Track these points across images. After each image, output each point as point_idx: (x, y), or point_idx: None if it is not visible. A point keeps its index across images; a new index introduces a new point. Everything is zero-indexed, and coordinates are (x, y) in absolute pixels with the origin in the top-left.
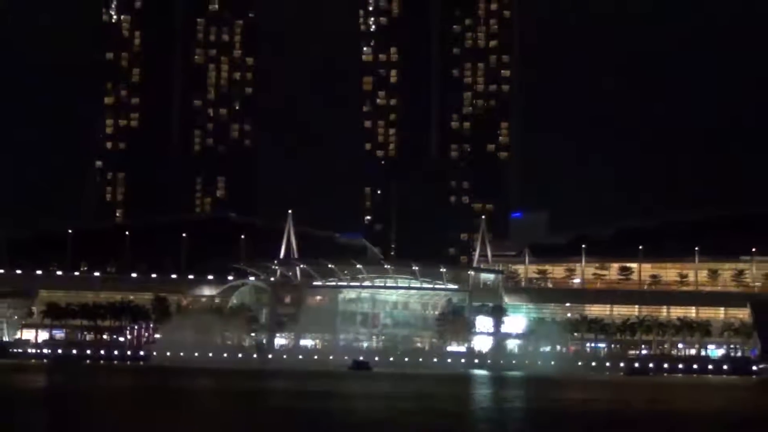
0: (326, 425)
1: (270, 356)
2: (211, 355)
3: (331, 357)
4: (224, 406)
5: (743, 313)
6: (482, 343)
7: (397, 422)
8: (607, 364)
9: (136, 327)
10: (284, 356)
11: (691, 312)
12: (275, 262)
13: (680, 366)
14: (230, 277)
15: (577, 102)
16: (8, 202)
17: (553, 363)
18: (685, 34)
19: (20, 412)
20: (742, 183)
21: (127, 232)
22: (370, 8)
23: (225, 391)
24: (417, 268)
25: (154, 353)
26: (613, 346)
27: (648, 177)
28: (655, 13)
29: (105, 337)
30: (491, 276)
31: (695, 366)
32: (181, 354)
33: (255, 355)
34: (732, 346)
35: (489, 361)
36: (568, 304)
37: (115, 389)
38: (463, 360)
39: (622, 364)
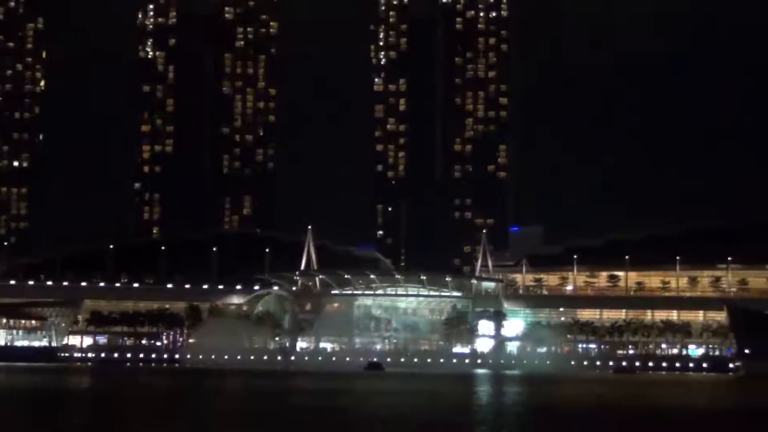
0: (343, 420)
1: (292, 358)
2: (239, 357)
3: (347, 359)
4: (252, 404)
5: (720, 316)
6: (484, 345)
7: (408, 417)
8: (597, 363)
9: (171, 333)
10: (305, 358)
11: (673, 315)
12: (297, 273)
13: (663, 364)
14: (256, 287)
15: (569, 126)
16: (58, 220)
17: (548, 362)
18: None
19: (68, 410)
20: (719, 198)
21: (162, 247)
22: (381, 43)
23: (252, 390)
24: (424, 277)
25: (188, 356)
26: (602, 346)
27: (634, 193)
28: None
29: (143, 342)
30: (492, 284)
31: (677, 364)
32: (212, 357)
33: (279, 357)
34: (710, 346)
35: (490, 361)
36: (561, 309)
37: (153, 389)
38: (466, 360)
39: (610, 363)
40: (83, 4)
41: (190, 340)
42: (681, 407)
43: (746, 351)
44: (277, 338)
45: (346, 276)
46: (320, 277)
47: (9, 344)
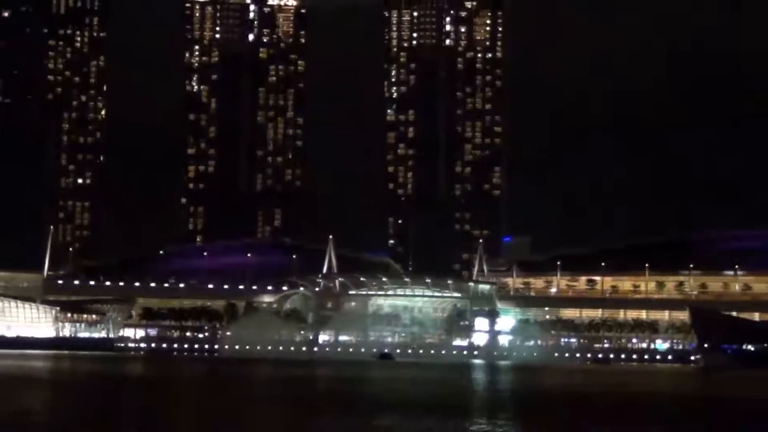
0: (360, 401)
1: (315, 349)
2: (269, 348)
3: (362, 350)
4: (280, 389)
5: (683, 316)
6: (480, 339)
7: (416, 398)
8: (577, 355)
9: (211, 326)
10: (326, 349)
11: (643, 314)
12: (319, 276)
13: (634, 356)
14: (285, 288)
15: (553, 151)
16: (116, 229)
17: (535, 354)
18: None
19: (124, 393)
20: (683, 210)
21: (205, 253)
22: (393, 80)
23: (280, 377)
24: (429, 280)
25: (225, 347)
26: (581, 341)
27: (610, 209)
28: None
29: (187, 334)
30: (487, 286)
31: (646, 357)
32: (247, 347)
33: (303, 348)
34: (674, 341)
35: (485, 353)
36: (546, 309)
37: (195, 375)
38: (464, 352)
39: (588, 355)
40: (140, 44)
41: (228, 333)
42: (648, 392)
43: (705, 345)
44: (302, 332)
45: (361, 279)
46: (339, 279)
47: (73, 336)
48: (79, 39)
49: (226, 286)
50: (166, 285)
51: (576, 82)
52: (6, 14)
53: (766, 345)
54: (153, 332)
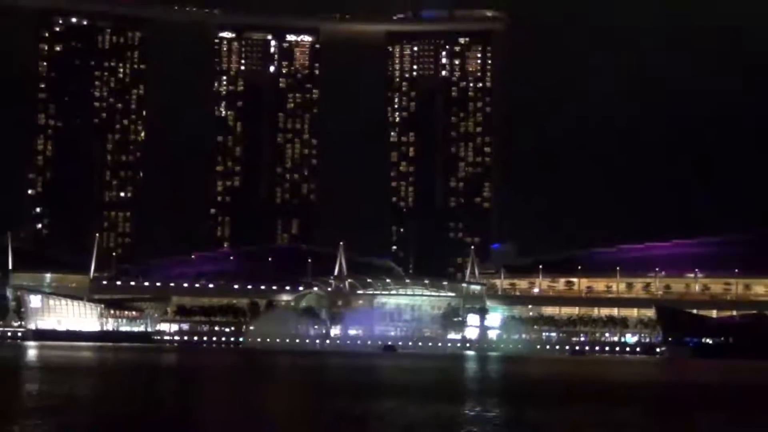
0: (367, 387)
1: (327, 342)
2: (287, 340)
3: (369, 342)
4: (297, 375)
5: (650, 313)
6: (471, 333)
7: (416, 385)
8: (557, 347)
9: (236, 321)
10: (337, 341)
11: (614, 312)
12: (331, 277)
13: (606, 348)
14: (301, 288)
15: (536, 167)
16: (153, 236)
17: (520, 346)
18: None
19: (160, 378)
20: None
21: (231, 257)
22: (395, 106)
23: (297, 365)
24: (427, 281)
25: (249, 339)
26: (560, 334)
27: (584, 219)
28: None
29: (216, 328)
30: (478, 287)
31: (617, 348)
32: (267, 340)
33: (317, 341)
34: (642, 335)
35: (476, 345)
36: (530, 306)
37: (223, 364)
38: (458, 344)
39: (567, 347)
40: (174, 75)
41: (251, 327)
42: (619, 379)
43: (669, 339)
44: (316, 326)
45: (368, 280)
46: (349, 280)
47: (115, 329)
48: (121, 70)
49: (249, 286)
50: (197, 285)
51: (556, 108)
52: (58, 48)
53: (722, 339)
54: (185, 326)
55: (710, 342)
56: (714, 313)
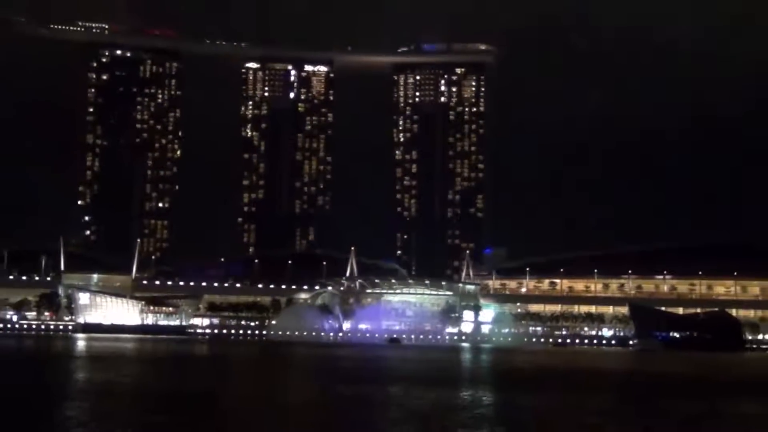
0: (375, 374)
1: (340, 334)
2: (305, 334)
3: (376, 335)
4: (313, 364)
5: (624, 310)
6: (467, 327)
7: (418, 372)
8: (542, 339)
9: (260, 317)
10: (348, 335)
11: (592, 309)
12: (343, 278)
13: (585, 341)
14: (317, 287)
15: (523, 182)
16: (187, 242)
17: (509, 339)
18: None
19: (194, 365)
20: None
21: (255, 260)
22: (400, 128)
23: (313, 355)
24: (427, 282)
25: (271, 333)
26: (545, 329)
27: (567, 227)
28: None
29: (242, 323)
30: (472, 287)
31: (594, 341)
32: (287, 333)
33: (331, 334)
34: (617, 329)
35: (470, 338)
36: (518, 304)
37: (249, 354)
38: (455, 337)
39: (550, 340)
40: (207, 100)
41: (273, 322)
42: (596, 368)
43: (641, 333)
44: (330, 321)
45: (376, 280)
46: (359, 281)
47: (154, 323)
48: (160, 96)
49: (271, 286)
50: (225, 285)
51: (539, 130)
52: (105, 77)
53: (688, 333)
54: (215, 321)
55: (677, 336)
56: (680, 310)
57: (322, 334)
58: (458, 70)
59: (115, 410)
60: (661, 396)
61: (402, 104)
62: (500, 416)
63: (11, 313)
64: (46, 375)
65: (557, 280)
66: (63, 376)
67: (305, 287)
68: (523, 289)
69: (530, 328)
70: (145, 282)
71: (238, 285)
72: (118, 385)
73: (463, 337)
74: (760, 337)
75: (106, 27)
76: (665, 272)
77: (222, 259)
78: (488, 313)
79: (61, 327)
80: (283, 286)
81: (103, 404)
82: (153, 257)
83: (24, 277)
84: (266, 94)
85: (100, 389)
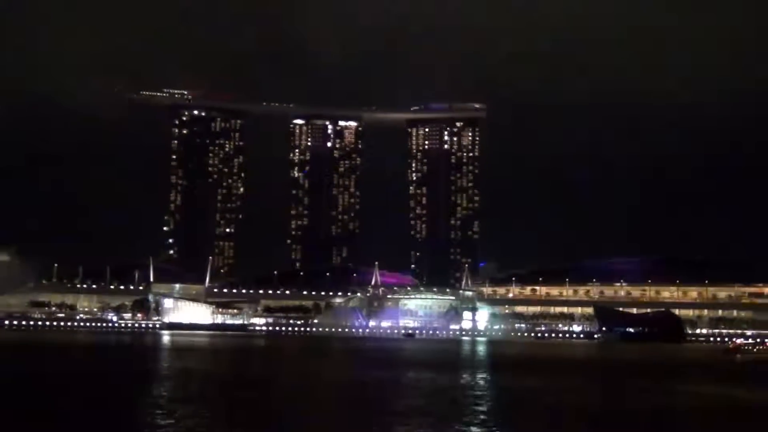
0: (395, 361)
1: (367, 331)
2: (340, 330)
3: (395, 331)
4: (347, 353)
5: (590, 310)
6: (466, 324)
7: (429, 359)
8: (526, 334)
9: (305, 317)
10: (373, 330)
11: (565, 310)
12: (369, 286)
13: (560, 335)
14: (349, 293)
15: (513, 210)
16: (249, 258)
17: (500, 333)
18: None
19: (254, 355)
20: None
21: (301, 273)
22: (413, 168)
23: (347, 347)
24: (435, 289)
25: (314, 330)
26: (528, 325)
27: (547, 245)
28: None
29: (291, 321)
30: (470, 293)
31: (567, 335)
32: (326, 330)
33: (360, 330)
34: (585, 326)
35: (469, 333)
36: (506, 306)
37: (301, 345)
38: (457, 332)
39: (533, 334)
40: (263, 148)
41: (315, 321)
42: (568, 356)
43: (603, 329)
44: (359, 320)
45: (395, 288)
46: (381, 288)
47: (222, 322)
48: (227, 146)
49: (313, 292)
50: (278, 291)
51: (525, 169)
52: (185, 131)
53: (640, 328)
54: (270, 320)
55: (632, 330)
56: (634, 311)
57: (353, 330)
58: (458, 124)
59: (197, 390)
60: (620, 376)
61: (414, 150)
62: (493, 392)
63: (112, 314)
64: (139, 363)
65: (537, 287)
66: (152, 364)
67: (340, 293)
68: (510, 295)
69: (516, 325)
70: (215, 290)
71: (287, 291)
72: (196, 371)
73: (464, 332)
74: (698, 331)
75: (186, 92)
76: (622, 281)
77: (275, 272)
78: (483, 313)
79: (150, 326)
80: (323, 293)
81: (186, 385)
82: (222, 271)
83: (122, 287)
84: (309, 143)
85: (181, 374)
